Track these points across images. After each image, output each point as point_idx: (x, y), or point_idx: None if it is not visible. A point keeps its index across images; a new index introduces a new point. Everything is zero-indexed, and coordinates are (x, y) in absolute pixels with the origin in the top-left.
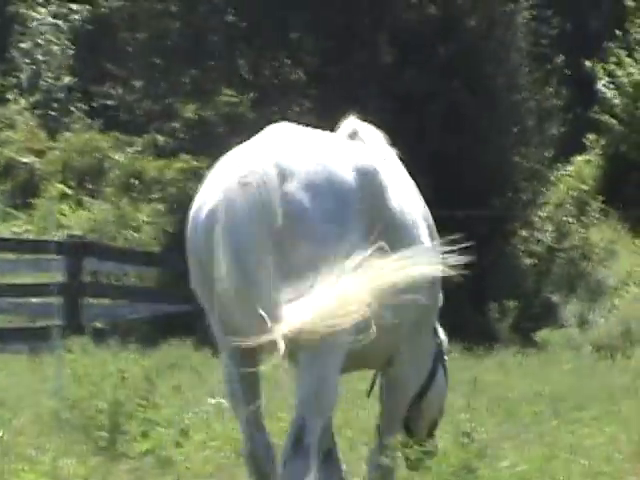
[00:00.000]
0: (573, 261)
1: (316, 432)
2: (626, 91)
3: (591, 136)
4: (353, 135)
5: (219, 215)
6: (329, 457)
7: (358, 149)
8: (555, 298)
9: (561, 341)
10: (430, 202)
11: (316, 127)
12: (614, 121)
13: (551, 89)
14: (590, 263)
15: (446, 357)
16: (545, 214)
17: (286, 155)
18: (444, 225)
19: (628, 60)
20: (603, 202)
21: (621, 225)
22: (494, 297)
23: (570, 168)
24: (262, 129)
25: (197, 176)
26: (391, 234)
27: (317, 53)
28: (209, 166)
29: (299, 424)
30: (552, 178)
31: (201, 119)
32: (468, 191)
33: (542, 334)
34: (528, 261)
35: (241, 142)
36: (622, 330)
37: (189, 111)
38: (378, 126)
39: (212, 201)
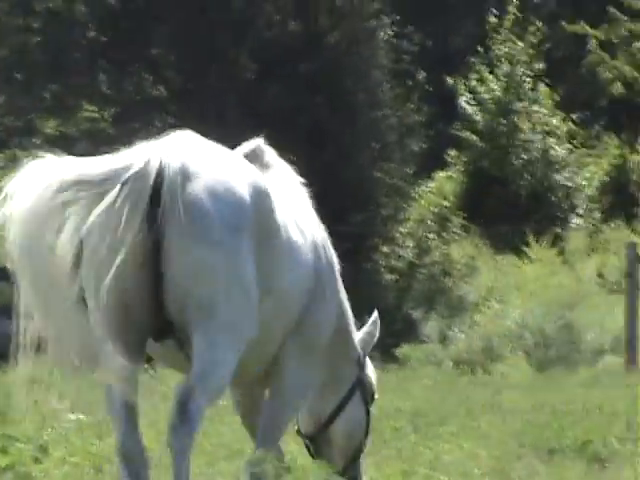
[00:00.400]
0: (434, 277)
1: (202, 410)
2: (487, 107)
3: (452, 152)
4: (257, 156)
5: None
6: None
7: (254, 169)
8: (416, 314)
9: (422, 357)
10: None
11: None
12: (475, 137)
13: (412, 105)
14: (451, 279)
15: (372, 403)
16: (406, 230)
17: (191, 157)
18: None
19: (489, 76)
20: (464, 218)
21: (482, 241)
22: (355, 313)
23: (431, 184)
24: (123, 145)
25: None
26: (275, 255)
27: (179, 69)
28: None
29: (188, 398)
30: (413, 194)
31: (62, 135)
32: (330, 207)
33: (403, 350)
34: (389, 277)
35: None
36: (482, 346)
37: (50, 127)
38: (241, 142)
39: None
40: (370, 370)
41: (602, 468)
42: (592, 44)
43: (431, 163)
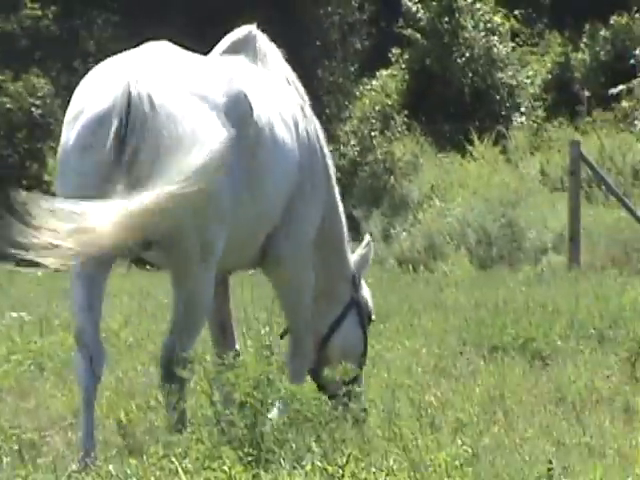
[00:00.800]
0: (376, 175)
1: (192, 343)
2: (431, 5)
3: (396, 50)
4: (248, 42)
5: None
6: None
7: (229, 73)
8: (358, 212)
9: None
10: None
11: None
12: (418, 35)
13: (355, 3)
14: (394, 177)
15: (369, 324)
16: (349, 128)
17: (159, 84)
18: None
19: None
20: (407, 116)
21: (425, 139)
22: None
23: (375, 82)
24: (65, 43)
25: (2, 89)
26: (259, 159)
27: None
28: (13, 79)
29: (170, 345)
30: (356, 92)
31: (4, 33)
32: None
33: None
34: None
35: (44, 56)
36: (425, 244)
37: None
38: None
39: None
40: (365, 291)
41: (544, 365)
42: None
43: (374, 61)
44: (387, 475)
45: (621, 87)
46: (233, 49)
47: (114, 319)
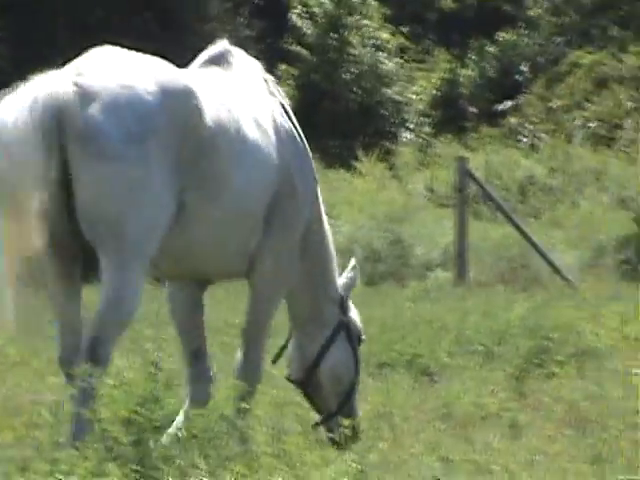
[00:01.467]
0: None
1: (113, 342)
2: (318, 21)
3: (283, 66)
4: (223, 56)
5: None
6: (199, 356)
7: (172, 73)
8: None
9: None
10: None
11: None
12: (306, 51)
13: (242, 19)
14: None
15: (359, 344)
16: None
17: (92, 78)
18: None
19: None
20: None
21: (312, 155)
22: None
23: None
24: None
25: None
26: (218, 155)
27: None
28: None
29: (93, 336)
30: None
31: None
32: None
33: None
34: None
35: None
36: None
37: None
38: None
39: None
40: (354, 313)
41: (431, 381)
42: None
43: None
44: None
45: (508, 103)
46: (210, 62)
47: None
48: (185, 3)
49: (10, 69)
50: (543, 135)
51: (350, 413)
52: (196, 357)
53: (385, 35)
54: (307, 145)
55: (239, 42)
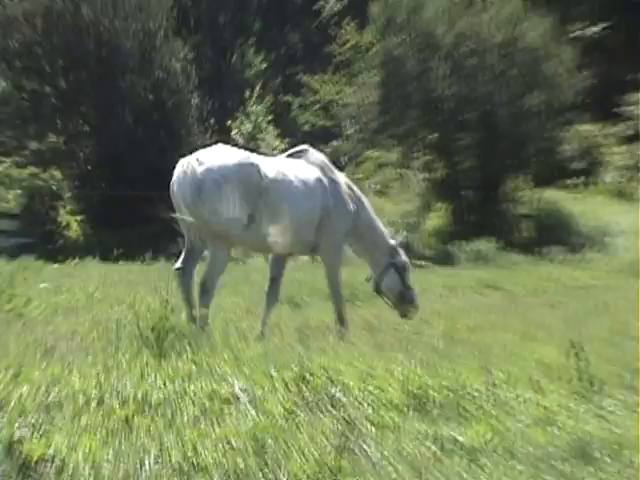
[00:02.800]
0: None
1: (215, 283)
2: None
3: None
4: (302, 153)
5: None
6: (275, 281)
7: (246, 154)
8: None
9: None
10: None
11: None
12: None
13: None
14: None
15: (404, 270)
16: None
17: (204, 157)
18: None
19: None
20: None
21: None
22: None
23: None
24: None
25: None
26: (266, 194)
27: None
28: None
29: (204, 278)
30: None
31: None
32: None
33: None
34: None
35: None
36: None
37: None
38: None
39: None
40: (401, 255)
41: None
42: None
43: None
44: None
45: None
46: (289, 155)
47: None
48: None
49: None
50: None
51: (408, 302)
52: (273, 281)
53: None
54: (353, 194)
55: None
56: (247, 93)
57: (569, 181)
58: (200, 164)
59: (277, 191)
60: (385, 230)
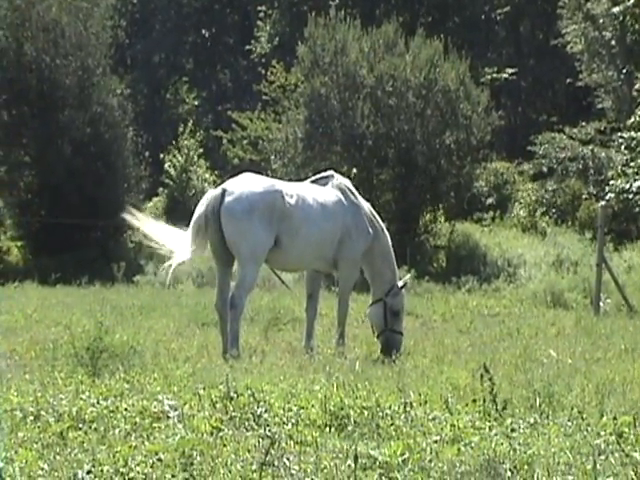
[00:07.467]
0: None
1: (243, 300)
2: None
3: None
4: (327, 179)
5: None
6: (312, 297)
7: (271, 181)
8: None
9: None
10: None
11: None
12: None
13: None
14: None
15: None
16: None
17: (231, 185)
18: None
19: None
20: None
21: None
22: None
23: None
24: None
25: None
26: (289, 218)
27: None
28: None
29: (233, 295)
30: None
31: None
32: None
33: None
34: None
35: None
36: None
37: None
38: None
39: (200, 206)
40: (400, 298)
41: None
42: None
43: None
44: None
45: None
46: (314, 181)
47: None
48: None
49: None
50: None
51: (383, 342)
52: (310, 297)
53: None
54: (375, 221)
55: None
56: (180, 128)
57: (482, 215)
58: (229, 194)
59: (297, 215)
60: (397, 270)
